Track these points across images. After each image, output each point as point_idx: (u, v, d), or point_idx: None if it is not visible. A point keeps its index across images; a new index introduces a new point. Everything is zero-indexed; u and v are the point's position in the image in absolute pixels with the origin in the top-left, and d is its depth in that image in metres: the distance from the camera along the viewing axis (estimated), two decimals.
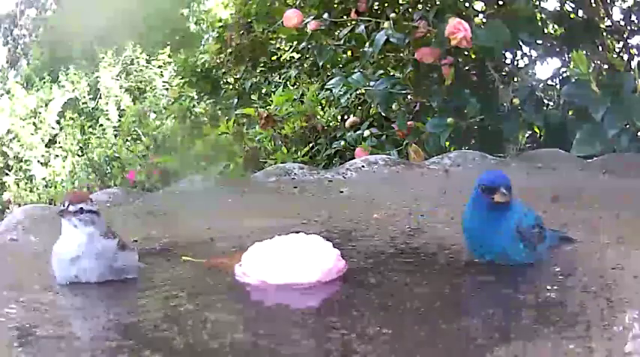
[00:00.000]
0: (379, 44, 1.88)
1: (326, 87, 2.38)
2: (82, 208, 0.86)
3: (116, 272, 0.88)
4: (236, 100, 3.20)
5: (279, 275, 0.83)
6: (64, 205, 0.86)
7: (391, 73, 2.10)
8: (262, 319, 0.75)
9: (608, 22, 2.16)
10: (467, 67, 2.07)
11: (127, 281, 0.88)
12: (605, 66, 1.93)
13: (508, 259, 0.87)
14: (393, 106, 2.06)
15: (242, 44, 3.07)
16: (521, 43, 1.92)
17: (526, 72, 2.10)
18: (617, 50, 2.17)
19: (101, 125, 4.77)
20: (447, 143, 1.86)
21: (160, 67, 5.02)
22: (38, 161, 4.69)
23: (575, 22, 2.07)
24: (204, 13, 5.40)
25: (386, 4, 2.24)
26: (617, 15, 2.20)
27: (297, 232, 1.07)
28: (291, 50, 3.08)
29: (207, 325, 0.74)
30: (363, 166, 1.36)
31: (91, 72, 5.09)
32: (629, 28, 2.15)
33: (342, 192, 1.27)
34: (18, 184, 4.54)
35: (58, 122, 4.86)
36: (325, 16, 2.07)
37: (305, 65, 2.94)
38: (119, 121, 4.74)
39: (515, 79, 2.07)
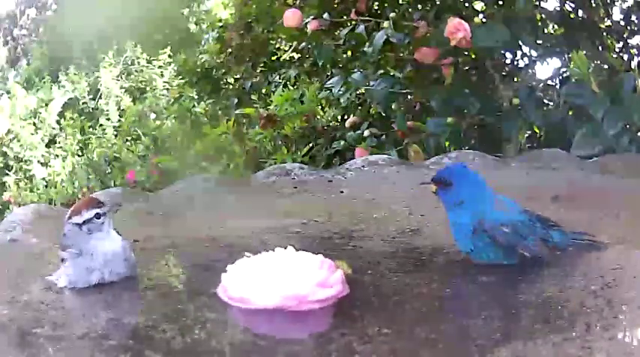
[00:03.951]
0: (379, 44, 1.88)
1: (326, 87, 2.38)
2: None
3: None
4: (236, 100, 3.19)
5: (260, 298, 0.77)
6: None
7: (391, 73, 2.10)
8: (262, 319, 0.75)
9: (608, 22, 2.16)
10: (467, 67, 2.07)
11: (127, 281, 0.88)
12: (605, 66, 1.93)
13: (478, 258, 0.87)
14: (393, 106, 2.06)
15: (242, 44, 3.07)
16: (521, 43, 1.92)
17: (526, 72, 2.10)
18: (617, 50, 2.17)
19: (101, 125, 4.77)
20: (447, 143, 1.87)
21: (160, 67, 5.02)
22: (38, 161, 4.69)
23: (575, 22, 2.07)
24: (204, 13, 5.40)
25: (386, 4, 2.24)
26: (617, 15, 2.20)
27: (297, 232, 1.07)
28: (291, 50, 3.08)
29: (207, 325, 0.74)
30: (363, 166, 1.36)
31: (91, 72, 5.09)
32: (629, 28, 2.15)
33: (342, 192, 1.27)
34: (18, 184, 4.54)
35: (58, 122, 4.86)
36: (325, 16, 2.07)
37: (305, 65, 2.94)
38: (119, 121, 4.74)
39: (515, 79, 2.07)
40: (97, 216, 0.86)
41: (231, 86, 3.39)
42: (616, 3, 2.21)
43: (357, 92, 2.36)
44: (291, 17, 1.97)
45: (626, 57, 2.13)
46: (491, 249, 0.87)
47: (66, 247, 0.86)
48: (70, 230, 0.86)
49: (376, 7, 2.24)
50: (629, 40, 2.16)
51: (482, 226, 0.86)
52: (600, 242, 0.91)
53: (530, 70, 2.11)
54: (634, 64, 2.07)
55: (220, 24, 3.45)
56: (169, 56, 4.98)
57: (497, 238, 0.86)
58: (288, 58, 3.16)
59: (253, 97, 3.16)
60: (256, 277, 0.78)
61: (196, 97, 3.68)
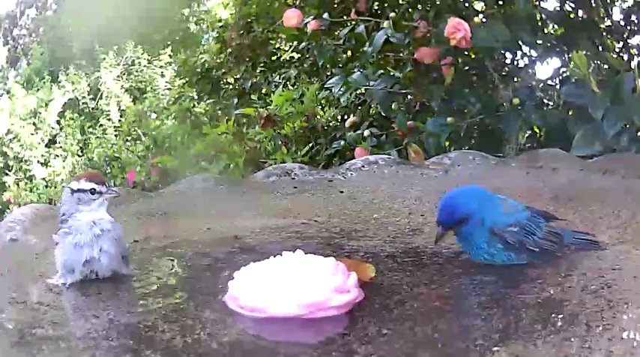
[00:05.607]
0: (378, 44, 1.88)
1: (326, 87, 2.38)
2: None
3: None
4: (236, 100, 3.19)
5: (277, 306, 0.74)
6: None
7: (391, 73, 2.10)
8: (262, 319, 0.75)
9: (608, 22, 2.16)
10: (467, 67, 2.07)
11: (127, 281, 0.88)
12: (605, 66, 1.93)
13: (492, 260, 0.88)
14: (393, 106, 2.06)
15: (242, 44, 3.07)
16: (521, 43, 1.92)
17: (526, 72, 2.10)
18: (617, 50, 2.17)
19: (101, 125, 4.77)
20: (447, 143, 1.86)
21: (161, 67, 5.02)
22: (38, 161, 4.69)
23: (575, 22, 2.07)
24: (204, 13, 5.40)
25: (386, 4, 2.24)
26: (617, 15, 2.20)
27: (297, 232, 1.07)
28: (291, 50, 3.08)
29: (207, 325, 0.74)
30: (363, 166, 1.36)
31: (91, 72, 5.09)
32: (629, 28, 2.15)
33: (342, 192, 1.27)
34: (18, 184, 4.54)
35: (58, 122, 4.86)
36: (325, 16, 2.07)
37: (305, 65, 2.94)
38: (119, 121, 4.74)
39: (515, 79, 2.07)
40: (92, 191, 0.88)
41: (231, 86, 3.39)
42: (616, 3, 2.21)
43: (357, 92, 2.36)
44: (291, 17, 1.97)
45: (626, 57, 2.13)
46: (505, 252, 0.87)
47: (59, 227, 0.88)
48: (64, 195, 0.89)
49: (376, 7, 2.24)
50: (629, 40, 2.16)
51: (493, 232, 0.87)
52: (601, 242, 0.91)
53: (530, 70, 2.11)
54: (634, 64, 2.07)
55: (220, 24, 3.45)
56: (169, 56, 4.98)
57: (507, 239, 0.86)
58: (288, 58, 3.16)
59: (253, 97, 3.16)
60: (270, 284, 0.74)
61: (196, 97, 3.68)
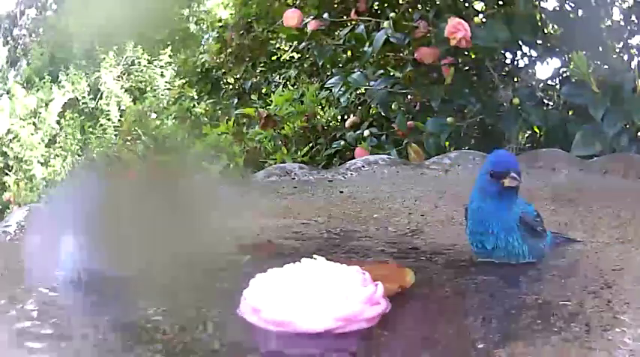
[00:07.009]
0: (379, 44, 1.88)
1: (326, 87, 2.38)
2: None
3: None
4: (236, 100, 3.19)
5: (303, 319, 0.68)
6: None
7: (391, 73, 2.10)
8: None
9: (608, 22, 2.16)
10: (467, 67, 2.07)
11: (126, 281, 0.88)
12: (605, 66, 1.93)
13: (510, 252, 0.86)
14: (393, 106, 2.06)
15: (242, 44, 3.07)
16: (521, 43, 1.92)
17: (526, 72, 2.10)
18: (617, 50, 2.17)
19: (101, 125, 4.77)
20: (447, 143, 1.87)
21: (161, 67, 5.02)
22: (38, 161, 4.68)
23: (575, 22, 2.07)
24: (204, 13, 5.40)
25: (386, 4, 2.24)
26: (617, 15, 2.20)
27: (297, 232, 1.07)
28: (291, 50, 3.08)
29: (207, 325, 0.74)
30: (363, 166, 1.36)
31: (91, 72, 5.09)
32: (629, 28, 2.15)
33: (342, 192, 1.27)
34: (18, 184, 4.54)
35: (58, 122, 4.86)
36: (325, 16, 2.07)
37: (305, 65, 2.94)
38: (119, 121, 4.74)
39: (515, 79, 2.07)
40: None
41: (231, 86, 3.39)
42: (616, 3, 2.21)
43: (357, 92, 2.36)
44: (291, 17, 1.97)
45: (626, 57, 2.13)
46: (524, 242, 0.86)
47: None
48: None
49: (376, 7, 2.24)
50: (629, 40, 2.16)
51: (524, 220, 0.86)
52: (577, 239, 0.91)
53: (530, 70, 2.11)
54: (634, 64, 2.07)
55: (220, 24, 3.45)
56: (169, 56, 4.98)
57: (536, 230, 0.86)
58: (288, 58, 3.16)
59: (253, 97, 3.16)
60: (299, 296, 0.68)
61: (196, 97, 3.68)
